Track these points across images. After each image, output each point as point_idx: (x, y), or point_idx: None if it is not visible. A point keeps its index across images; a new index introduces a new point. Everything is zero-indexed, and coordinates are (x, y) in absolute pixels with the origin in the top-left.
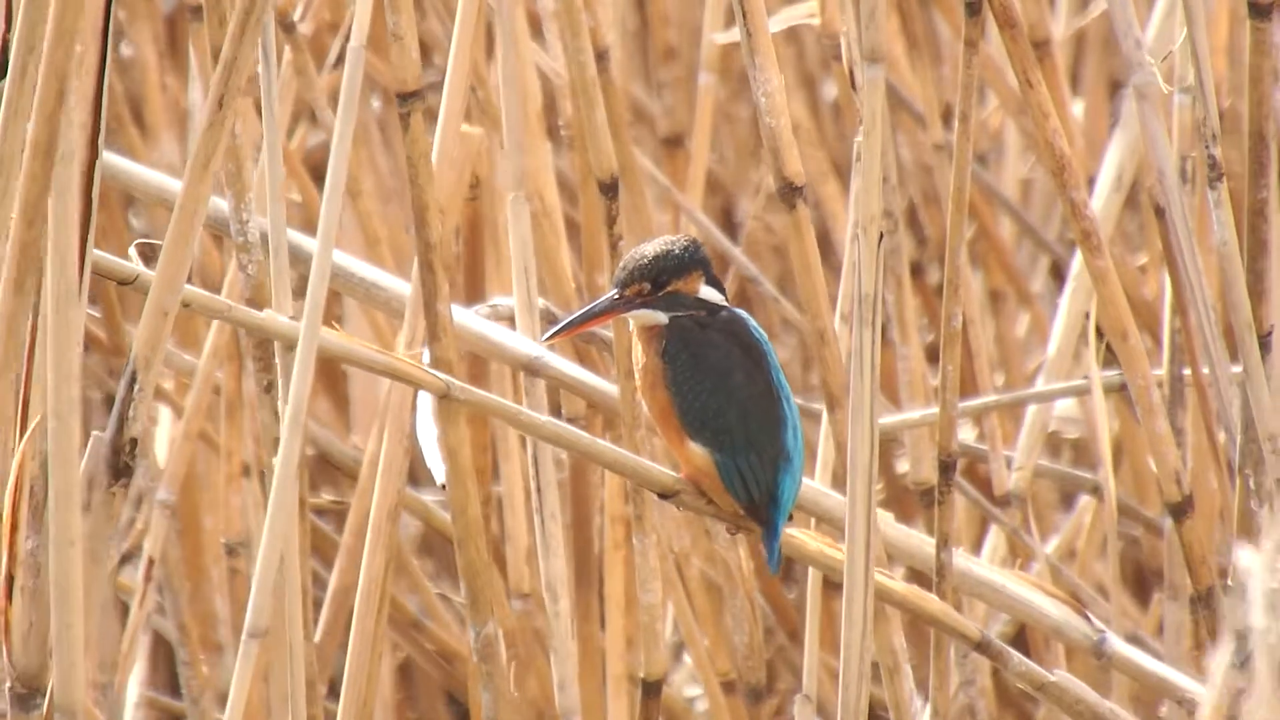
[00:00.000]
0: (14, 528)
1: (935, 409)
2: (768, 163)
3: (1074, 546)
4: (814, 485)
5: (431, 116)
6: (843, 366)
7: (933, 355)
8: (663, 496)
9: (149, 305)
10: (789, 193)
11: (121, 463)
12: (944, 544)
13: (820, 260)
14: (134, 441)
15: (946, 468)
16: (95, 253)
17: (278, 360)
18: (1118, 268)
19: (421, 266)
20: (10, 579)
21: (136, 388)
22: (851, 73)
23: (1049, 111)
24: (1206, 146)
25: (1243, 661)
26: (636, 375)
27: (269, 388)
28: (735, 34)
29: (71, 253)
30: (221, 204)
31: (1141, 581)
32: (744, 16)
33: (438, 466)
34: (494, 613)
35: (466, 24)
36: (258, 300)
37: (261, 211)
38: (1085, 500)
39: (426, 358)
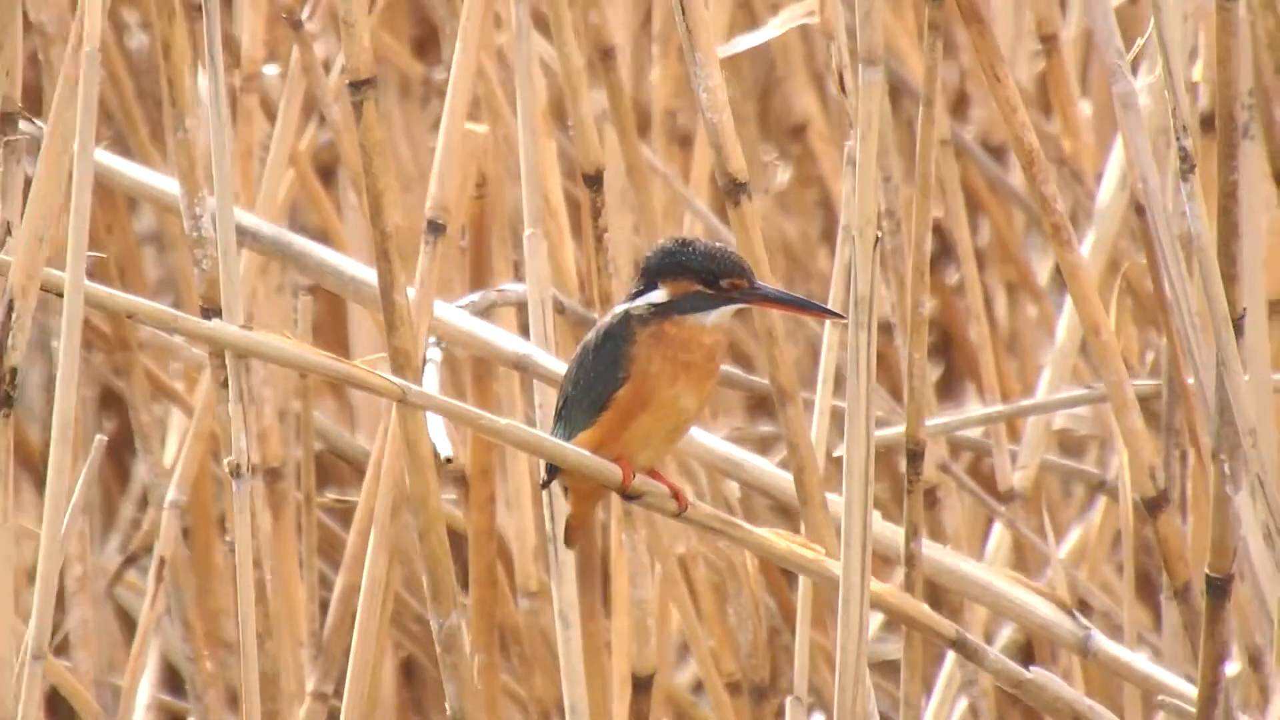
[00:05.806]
0: None
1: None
2: (714, 160)
3: (1084, 546)
4: None
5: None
6: (790, 364)
7: (936, 354)
8: (627, 497)
9: (24, 234)
10: (733, 189)
11: (2, 392)
12: (914, 534)
13: (768, 258)
14: (14, 371)
15: (914, 456)
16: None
17: (229, 364)
18: (1122, 264)
19: (378, 256)
20: None
21: (14, 316)
22: (841, 76)
23: (1017, 105)
24: (1177, 138)
25: None
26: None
27: (225, 384)
28: (752, 39)
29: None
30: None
31: (1148, 581)
32: (683, 13)
33: (443, 442)
34: (456, 604)
35: (473, 19)
36: (211, 297)
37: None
38: (1088, 499)
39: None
